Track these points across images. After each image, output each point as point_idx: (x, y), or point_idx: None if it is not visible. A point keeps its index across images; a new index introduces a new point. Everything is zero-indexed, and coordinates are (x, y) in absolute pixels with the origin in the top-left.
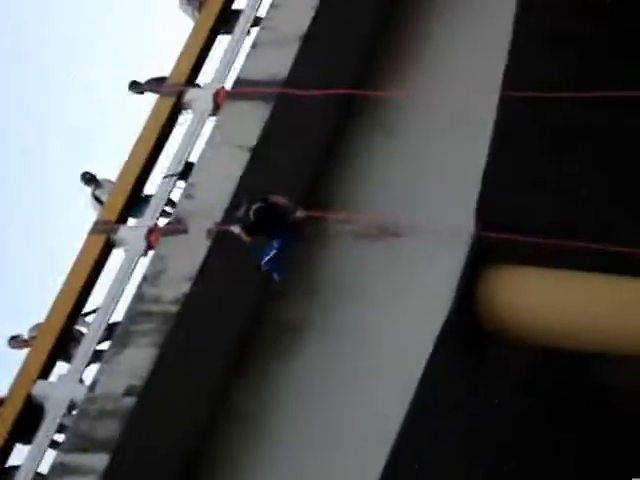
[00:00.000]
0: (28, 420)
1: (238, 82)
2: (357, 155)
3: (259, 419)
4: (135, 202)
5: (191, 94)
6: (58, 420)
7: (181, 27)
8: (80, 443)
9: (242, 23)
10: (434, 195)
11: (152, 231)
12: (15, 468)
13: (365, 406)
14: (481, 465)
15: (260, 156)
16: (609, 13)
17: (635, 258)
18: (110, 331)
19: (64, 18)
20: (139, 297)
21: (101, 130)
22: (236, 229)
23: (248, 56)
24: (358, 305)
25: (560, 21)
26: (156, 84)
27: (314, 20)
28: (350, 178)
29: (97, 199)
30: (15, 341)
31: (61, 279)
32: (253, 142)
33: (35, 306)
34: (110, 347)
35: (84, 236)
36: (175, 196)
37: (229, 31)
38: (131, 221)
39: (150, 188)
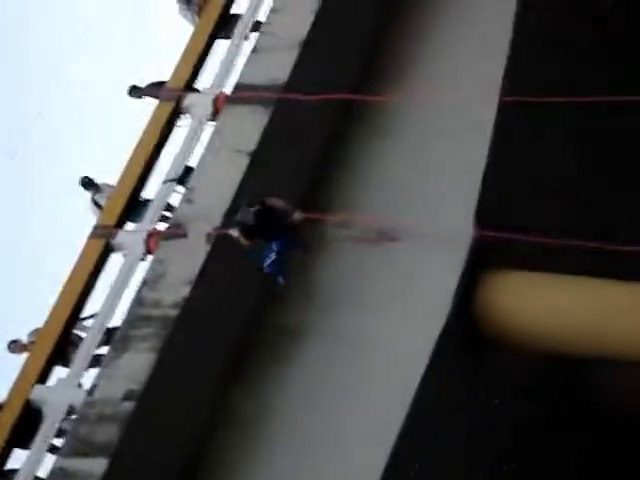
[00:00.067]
0: (27, 425)
1: (237, 87)
2: (356, 159)
3: (258, 423)
4: (134, 206)
5: (190, 99)
6: (57, 425)
7: (180, 32)
8: (79, 448)
9: (241, 28)
10: (433, 199)
11: (151, 235)
12: (14, 472)
13: (364, 409)
14: (481, 467)
15: (259, 161)
16: (610, 15)
17: (633, 258)
18: (109, 335)
19: (62, 20)
20: (138, 301)
21: (94, 133)
22: (235, 232)
23: (247, 61)
24: (357, 309)
25: (561, 23)
26: (155, 89)
27: (313, 25)
28: (349, 182)
29: (96, 203)
30: (14, 346)
31: (45, 284)
32: (252, 147)
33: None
34: (109, 351)
35: (73, 239)
36: (174, 200)
37: (228, 36)
38: (130, 225)
39: (149, 192)
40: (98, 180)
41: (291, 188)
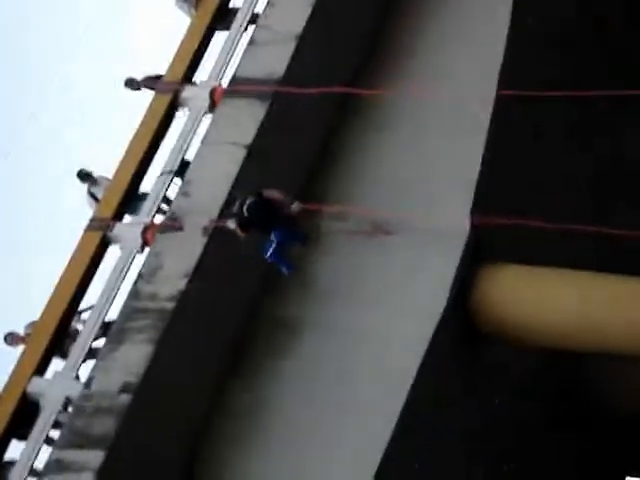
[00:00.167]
0: (24, 417)
1: (234, 80)
2: (352, 153)
3: (255, 416)
4: (131, 199)
5: (187, 92)
6: (54, 417)
7: (177, 24)
8: (76, 440)
9: (239, 20)
10: (429, 193)
11: (148, 228)
12: (11, 463)
13: (360, 403)
14: (481, 464)
15: (256, 154)
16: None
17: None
18: (106, 328)
19: (60, 19)
20: (135, 294)
21: (91, 133)
22: (231, 224)
23: (245, 54)
24: (353, 302)
25: (558, 20)
26: (152, 81)
27: (310, 19)
28: (345, 176)
29: (93, 196)
30: (11, 338)
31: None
32: (249, 140)
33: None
34: (106, 344)
35: (66, 239)
36: (171, 193)
37: (226, 28)
38: (127, 218)
39: (146, 185)
40: (95, 173)
41: (287, 181)
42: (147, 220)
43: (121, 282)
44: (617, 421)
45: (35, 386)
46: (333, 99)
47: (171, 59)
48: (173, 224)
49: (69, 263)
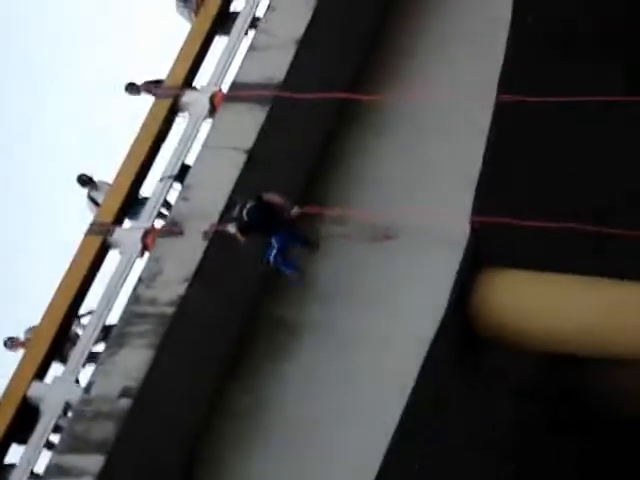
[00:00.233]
0: (24, 421)
1: (234, 85)
2: (352, 156)
3: (255, 417)
4: (131, 204)
5: (188, 96)
6: (53, 421)
7: (179, 30)
8: (75, 444)
9: (239, 25)
10: (428, 197)
11: (148, 233)
12: (12, 466)
13: (360, 405)
14: (481, 467)
15: (256, 158)
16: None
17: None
18: (106, 333)
19: (60, 19)
20: (135, 299)
21: (92, 132)
22: (231, 229)
23: (245, 59)
24: (353, 305)
25: (560, 22)
26: (153, 86)
27: (310, 24)
28: (345, 179)
29: (93, 201)
30: (11, 343)
31: (43, 282)
32: (249, 144)
33: None
34: (106, 349)
35: (70, 238)
36: (171, 198)
37: (226, 33)
38: (127, 223)
39: (146, 190)
40: (95, 177)
41: (287, 185)
42: (147, 225)
43: (121, 287)
44: (617, 423)
45: (35, 391)
46: (333, 103)
47: (171, 64)
48: (173, 229)
49: (69, 267)
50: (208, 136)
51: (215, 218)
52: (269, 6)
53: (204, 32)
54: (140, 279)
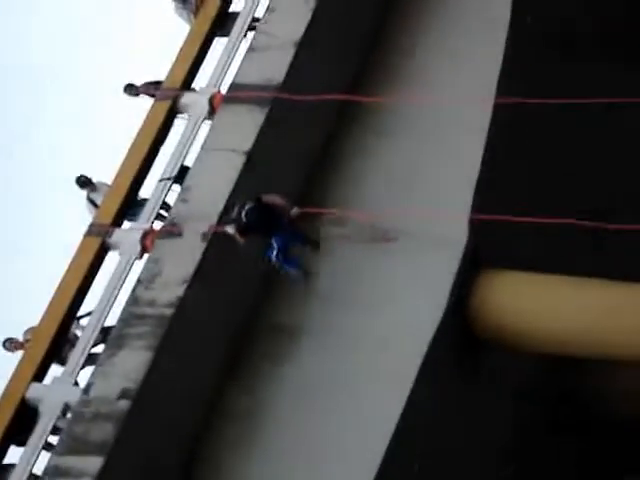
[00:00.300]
0: (23, 423)
1: (234, 86)
2: (351, 157)
3: (254, 421)
4: (130, 205)
5: (187, 98)
6: (52, 423)
7: (177, 31)
8: (74, 446)
9: (238, 27)
10: (428, 199)
11: (147, 234)
12: (11, 466)
13: (358, 408)
14: (480, 469)
15: (255, 160)
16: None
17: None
18: (105, 334)
19: (60, 19)
20: (134, 300)
21: (92, 132)
22: (230, 230)
23: (244, 60)
24: (351, 307)
25: (559, 22)
26: (152, 87)
27: (310, 25)
28: (344, 181)
29: (92, 202)
30: (10, 344)
31: (43, 283)
32: (249, 146)
33: None
34: (105, 350)
35: (70, 239)
36: (170, 199)
37: (225, 34)
38: (126, 224)
39: (145, 191)
40: (94, 179)
41: (287, 186)
42: (146, 226)
43: (120, 288)
44: (616, 425)
45: (34, 392)
46: (332, 104)
47: (171, 65)
48: (172, 230)
49: (68, 268)
50: (207, 137)
51: (214, 219)
52: (268, 7)
53: (203, 33)
54: (139, 280)
